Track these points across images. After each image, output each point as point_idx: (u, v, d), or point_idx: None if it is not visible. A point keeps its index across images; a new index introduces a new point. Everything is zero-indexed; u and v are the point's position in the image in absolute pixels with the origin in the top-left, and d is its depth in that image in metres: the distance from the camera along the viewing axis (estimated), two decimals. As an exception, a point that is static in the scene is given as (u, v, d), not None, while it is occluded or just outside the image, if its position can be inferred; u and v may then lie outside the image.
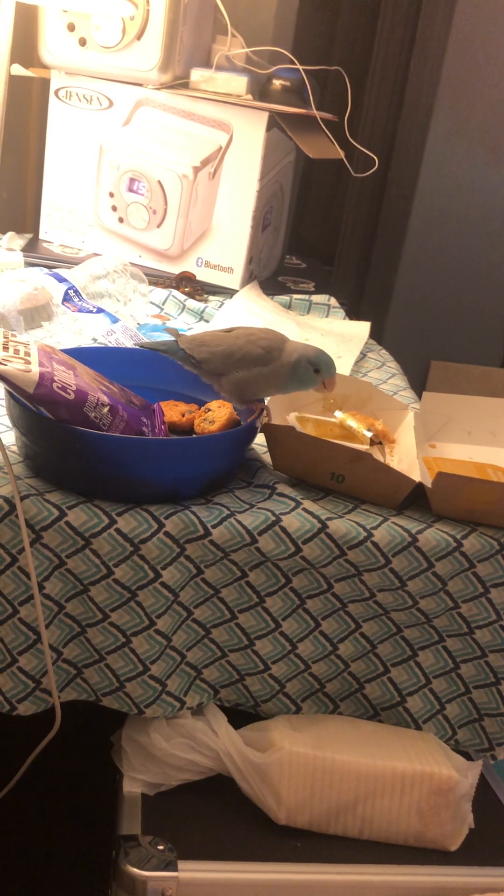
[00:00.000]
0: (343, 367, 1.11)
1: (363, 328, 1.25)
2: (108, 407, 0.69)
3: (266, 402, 0.78)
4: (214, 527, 0.69)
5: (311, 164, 1.85)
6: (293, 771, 0.71)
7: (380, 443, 0.79)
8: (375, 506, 0.75)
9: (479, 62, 1.97)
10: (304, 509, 0.71)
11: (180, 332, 0.83)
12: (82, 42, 1.23)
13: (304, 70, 1.27)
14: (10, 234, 1.39)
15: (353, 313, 2.19)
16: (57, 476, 0.70)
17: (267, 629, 0.74)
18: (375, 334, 1.33)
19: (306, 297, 1.36)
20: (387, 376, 1.12)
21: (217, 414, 0.81)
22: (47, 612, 0.70)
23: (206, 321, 1.23)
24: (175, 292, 1.25)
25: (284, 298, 1.34)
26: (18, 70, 1.32)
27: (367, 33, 1.95)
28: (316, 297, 1.36)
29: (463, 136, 2.04)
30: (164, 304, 1.24)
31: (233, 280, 1.32)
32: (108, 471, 0.67)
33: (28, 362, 0.67)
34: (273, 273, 1.50)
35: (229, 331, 0.78)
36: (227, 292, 1.32)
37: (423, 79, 1.98)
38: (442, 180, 2.08)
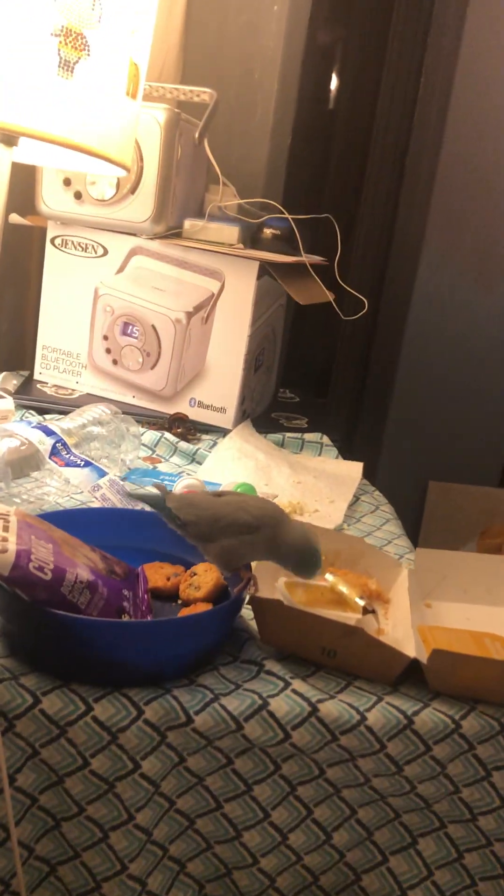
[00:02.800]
0: (336, 512, 1.09)
1: (356, 469, 1.24)
2: (86, 584, 0.66)
3: (253, 566, 0.76)
4: (197, 713, 0.65)
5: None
6: None
7: (373, 611, 0.76)
8: (369, 681, 0.71)
9: (467, 192, 2.04)
10: (294, 690, 0.68)
11: (168, 489, 0.81)
12: (78, 195, 1.27)
13: (293, 219, 1.31)
14: (3, 374, 1.41)
15: (349, 437, 2.19)
16: (33, 657, 0.67)
17: (255, 819, 0.69)
18: (371, 457, 1.33)
19: (299, 435, 1.35)
20: (381, 522, 1.09)
21: (203, 579, 0.79)
22: (18, 807, 0.65)
23: (199, 462, 1.22)
24: (167, 434, 1.25)
25: (277, 436, 1.34)
26: (16, 219, 1.36)
27: (357, 175, 2.03)
28: (308, 436, 1.36)
29: (452, 265, 2.09)
30: (155, 446, 1.23)
31: (225, 420, 1.32)
32: (85, 654, 0.64)
33: (5, 539, 0.65)
34: (266, 409, 1.50)
35: (219, 495, 0.76)
36: (220, 431, 1.32)
37: (412, 213, 2.04)
38: (432, 308, 2.12)
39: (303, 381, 1.82)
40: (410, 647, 0.72)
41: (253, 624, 0.77)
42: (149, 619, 0.72)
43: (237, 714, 0.65)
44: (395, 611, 0.82)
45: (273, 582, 0.81)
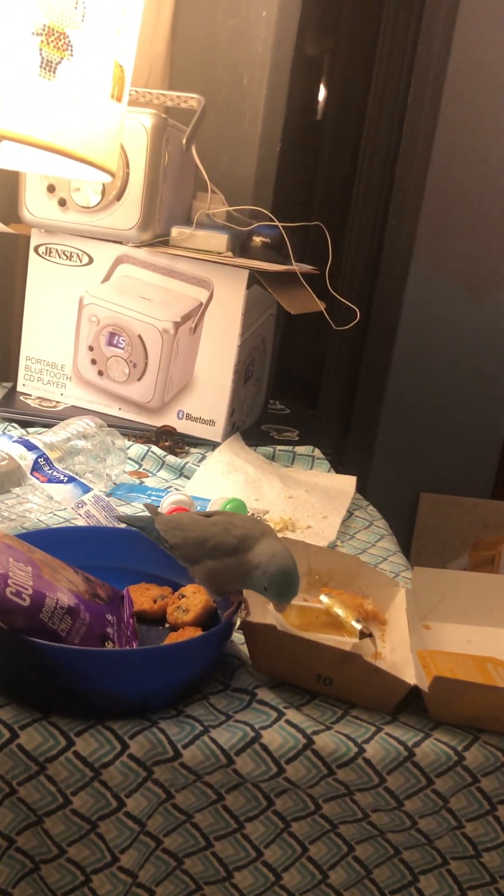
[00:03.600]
0: (329, 528, 1.06)
1: (349, 483, 1.21)
2: (67, 610, 0.62)
3: (243, 591, 0.72)
4: (185, 746, 0.61)
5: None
6: None
7: (370, 634, 0.72)
8: (367, 710, 0.68)
9: (457, 203, 2.02)
10: (287, 721, 0.64)
11: (158, 511, 0.77)
12: (62, 202, 1.23)
13: (283, 227, 1.28)
14: (-14, 386, 1.37)
15: (339, 449, 2.16)
16: (9, 688, 0.63)
17: (247, 858, 0.65)
18: (362, 469, 1.29)
19: (290, 448, 1.32)
20: (375, 538, 1.06)
21: (192, 601, 0.75)
22: (-6, 849, 0.61)
23: (187, 477, 1.18)
24: (154, 448, 1.21)
25: (268, 449, 1.31)
26: (-1, 227, 1.32)
27: (346, 185, 2.01)
28: (300, 449, 1.32)
29: (442, 276, 2.07)
30: (142, 460, 1.20)
31: (214, 432, 1.29)
32: (66, 685, 0.60)
33: (-19, 563, 0.61)
34: (256, 421, 1.47)
35: (209, 515, 0.72)
36: (209, 444, 1.29)
37: (402, 223, 2.02)
38: (423, 319, 2.10)
39: (293, 392, 1.78)
40: (410, 673, 0.68)
41: (244, 648, 0.73)
42: (134, 645, 0.68)
43: (228, 748, 0.62)
44: (393, 633, 0.78)
45: (265, 605, 0.77)
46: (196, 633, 0.72)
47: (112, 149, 0.94)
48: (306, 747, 0.63)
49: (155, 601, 0.77)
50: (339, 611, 0.75)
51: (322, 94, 2.09)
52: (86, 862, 0.61)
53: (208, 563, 0.68)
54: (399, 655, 0.73)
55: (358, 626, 0.73)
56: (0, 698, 0.62)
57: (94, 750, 0.60)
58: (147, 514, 0.73)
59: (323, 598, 0.77)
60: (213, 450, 1.26)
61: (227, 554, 0.67)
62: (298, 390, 1.86)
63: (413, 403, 2.18)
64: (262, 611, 0.75)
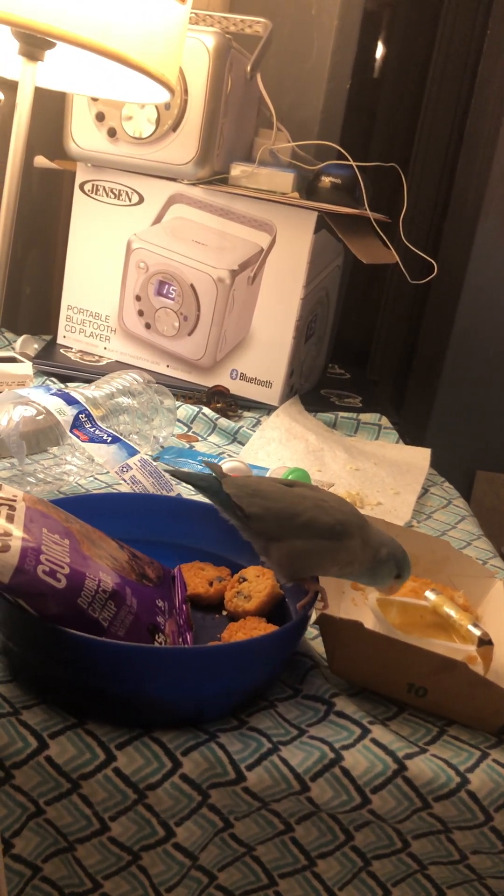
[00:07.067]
0: (403, 505, 0.93)
1: (422, 456, 1.08)
2: (111, 594, 0.51)
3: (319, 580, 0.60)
4: (250, 768, 0.50)
5: (353, 266, 1.72)
6: None
7: (490, 642, 0.60)
8: (466, 728, 0.56)
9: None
10: (374, 740, 0.52)
11: (225, 471, 0.66)
12: (112, 132, 1.11)
13: (356, 166, 1.14)
14: (24, 337, 1.26)
15: (391, 417, 2.03)
16: (40, 685, 0.52)
17: (317, 901, 0.54)
18: (415, 442, 1.17)
19: (353, 415, 1.19)
20: (455, 519, 0.93)
21: (255, 587, 0.64)
22: (16, 879, 0.50)
23: (241, 443, 1.07)
24: (205, 409, 1.09)
25: (329, 416, 1.18)
26: (42, 162, 1.21)
27: (409, 132, 1.85)
28: (364, 416, 1.19)
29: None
30: (192, 422, 1.08)
31: (271, 395, 1.16)
32: (106, 687, 0.49)
33: (8, 534, 0.50)
34: (315, 385, 1.34)
35: (290, 485, 0.60)
36: (265, 408, 1.17)
37: (471, 177, 1.87)
38: (489, 284, 1.96)
39: (347, 354, 1.64)
40: (518, 685, 0.56)
41: (315, 644, 0.62)
42: (189, 637, 0.57)
43: (302, 771, 0.50)
44: (489, 633, 0.66)
45: (339, 595, 0.65)
46: (260, 623, 0.60)
47: (172, 58, 0.82)
48: (397, 774, 0.51)
49: (211, 584, 0.65)
50: (451, 611, 0.63)
51: (397, 22, 1.91)
52: (124, 899, 0.51)
53: (296, 542, 0.56)
54: (500, 662, 0.61)
55: (476, 632, 0.60)
56: (26, 698, 0.52)
57: (139, 767, 0.49)
58: (209, 472, 0.61)
59: (429, 594, 0.65)
60: (268, 414, 1.14)
61: (321, 535, 0.56)
62: (346, 353, 1.70)
63: (473, 374, 2.05)
64: (335, 604, 0.64)
